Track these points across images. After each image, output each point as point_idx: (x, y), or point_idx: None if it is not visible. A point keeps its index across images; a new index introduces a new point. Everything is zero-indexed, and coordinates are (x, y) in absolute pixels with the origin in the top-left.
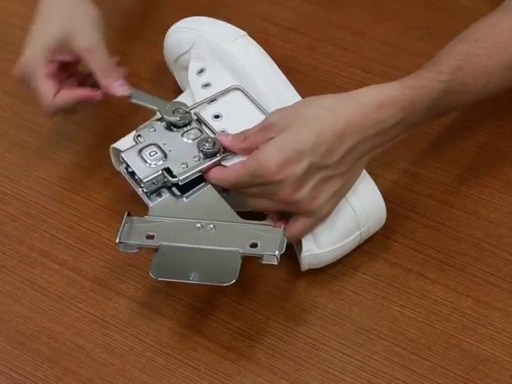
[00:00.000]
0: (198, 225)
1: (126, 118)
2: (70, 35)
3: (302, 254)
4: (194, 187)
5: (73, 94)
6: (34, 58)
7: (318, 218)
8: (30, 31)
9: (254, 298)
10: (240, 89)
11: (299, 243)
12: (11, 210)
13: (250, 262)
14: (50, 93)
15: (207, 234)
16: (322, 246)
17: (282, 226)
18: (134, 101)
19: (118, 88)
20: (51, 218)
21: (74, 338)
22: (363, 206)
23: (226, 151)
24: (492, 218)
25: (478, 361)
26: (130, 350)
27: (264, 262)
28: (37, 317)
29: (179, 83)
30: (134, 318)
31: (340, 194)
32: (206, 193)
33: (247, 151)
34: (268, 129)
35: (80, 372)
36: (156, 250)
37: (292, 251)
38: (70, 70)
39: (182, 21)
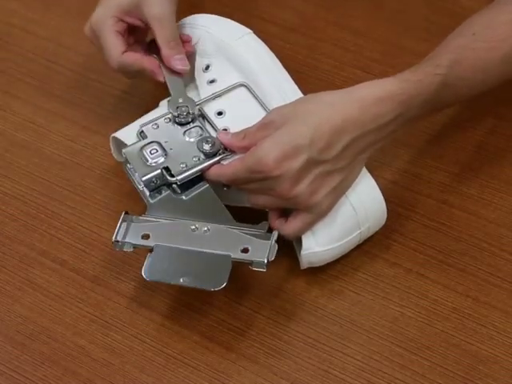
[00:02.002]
0: (193, 226)
1: (127, 118)
2: (144, 0)
3: (301, 252)
4: (194, 186)
5: (141, 60)
6: (104, 15)
7: (317, 213)
8: None
9: (254, 298)
10: (245, 85)
11: (299, 241)
12: (11, 210)
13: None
14: (119, 48)
15: (201, 237)
16: (321, 244)
17: (275, 231)
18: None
19: (178, 61)
20: (51, 218)
21: (74, 338)
22: (363, 205)
23: (226, 151)
24: (492, 218)
25: (477, 361)
26: (129, 349)
27: (254, 268)
28: (37, 317)
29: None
30: (133, 317)
31: (339, 190)
32: (203, 192)
33: (247, 149)
34: (267, 126)
35: (80, 372)
36: (151, 250)
37: (292, 250)
38: (137, 36)
39: (187, 17)
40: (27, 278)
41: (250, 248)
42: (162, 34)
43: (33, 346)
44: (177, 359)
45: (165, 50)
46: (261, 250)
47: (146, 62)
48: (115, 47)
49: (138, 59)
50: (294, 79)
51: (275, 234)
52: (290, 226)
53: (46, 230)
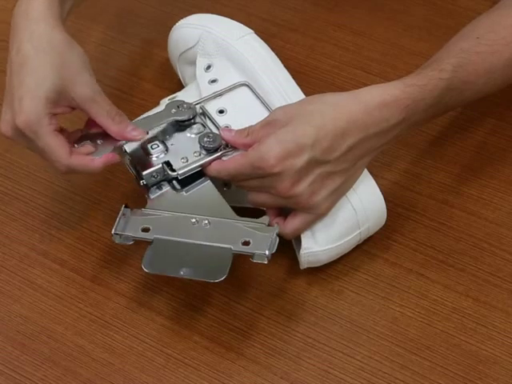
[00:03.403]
0: (193, 220)
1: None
2: (70, 84)
3: (300, 252)
4: (194, 182)
5: (92, 162)
6: (35, 113)
7: (316, 214)
8: (19, 78)
9: (254, 298)
10: (247, 85)
11: (298, 241)
12: (11, 209)
13: (249, 262)
14: (66, 151)
15: (201, 230)
16: (320, 243)
17: (276, 225)
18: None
19: (133, 133)
20: (51, 218)
21: (74, 338)
22: (363, 205)
23: (228, 147)
24: (492, 218)
25: (477, 361)
26: (129, 349)
27: (255, 261)
28: (37, 317)
29: (181, 78)
30: (134, 318)
31: (339, 192)
32: (204, 188)
33: (249, 147)
34: (271, 124)
35: (80, 372)
36: (150, 242)
37: (292, 250)
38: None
39: (188, 17)
40: (27, 277)
41: (251, 241)
42: (102, 113)
43: (33, 346)
44: (177, 359)
45: (113, 127)
46: (262, 243)
47: (97, 162)
48: (61, 151)
49: (87, 162)
50: (294, 79)
51: (277, 227)
52: (288, 226)
53: (46, 230)
